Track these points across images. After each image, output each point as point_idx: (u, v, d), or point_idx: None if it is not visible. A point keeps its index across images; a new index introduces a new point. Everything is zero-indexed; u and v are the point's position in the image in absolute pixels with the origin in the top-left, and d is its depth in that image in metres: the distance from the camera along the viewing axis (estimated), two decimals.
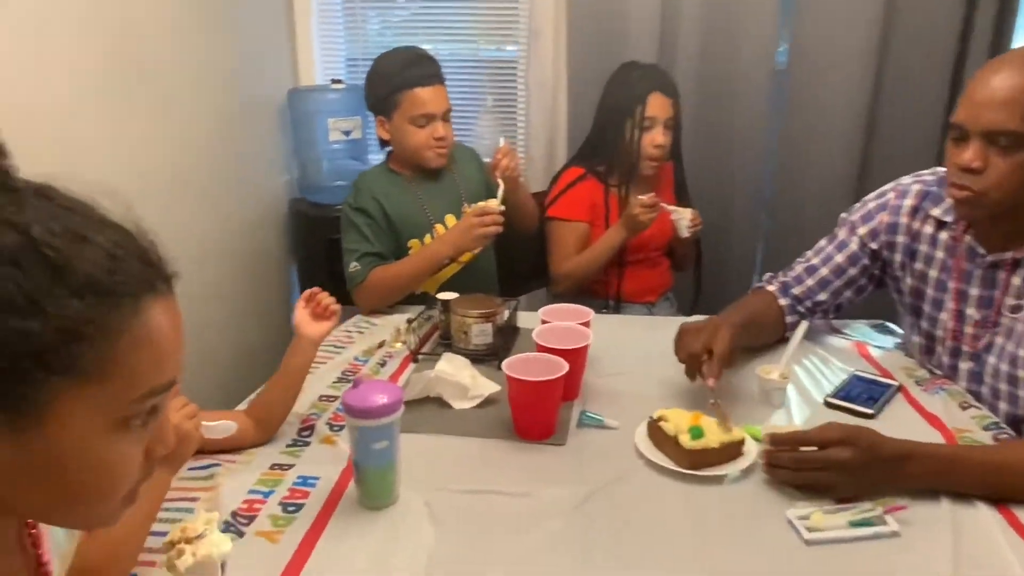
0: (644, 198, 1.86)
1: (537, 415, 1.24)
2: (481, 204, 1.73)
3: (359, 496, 1.09)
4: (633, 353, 1.56)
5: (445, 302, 1.55)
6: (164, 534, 1.00)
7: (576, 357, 1.31)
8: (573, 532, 1.03)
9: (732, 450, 1.16)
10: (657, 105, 1.95)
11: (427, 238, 1.88)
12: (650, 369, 1.46)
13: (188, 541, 0.58)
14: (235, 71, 2.30)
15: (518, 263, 2.16)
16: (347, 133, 2.53)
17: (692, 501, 1.10)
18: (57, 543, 0.72)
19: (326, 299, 1.27)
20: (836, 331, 1.67)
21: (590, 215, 2.03)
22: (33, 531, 0.68)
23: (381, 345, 1.61)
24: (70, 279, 0.49)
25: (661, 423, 1.19)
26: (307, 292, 1.27)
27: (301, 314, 1.26)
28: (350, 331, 1.70)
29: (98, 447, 0.53)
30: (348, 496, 1.10)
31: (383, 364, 1.54)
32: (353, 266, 1.78)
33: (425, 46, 1.99)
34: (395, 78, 1.84)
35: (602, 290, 2.08)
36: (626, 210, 1.91)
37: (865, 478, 1.06)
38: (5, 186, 0.50)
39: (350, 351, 1.59)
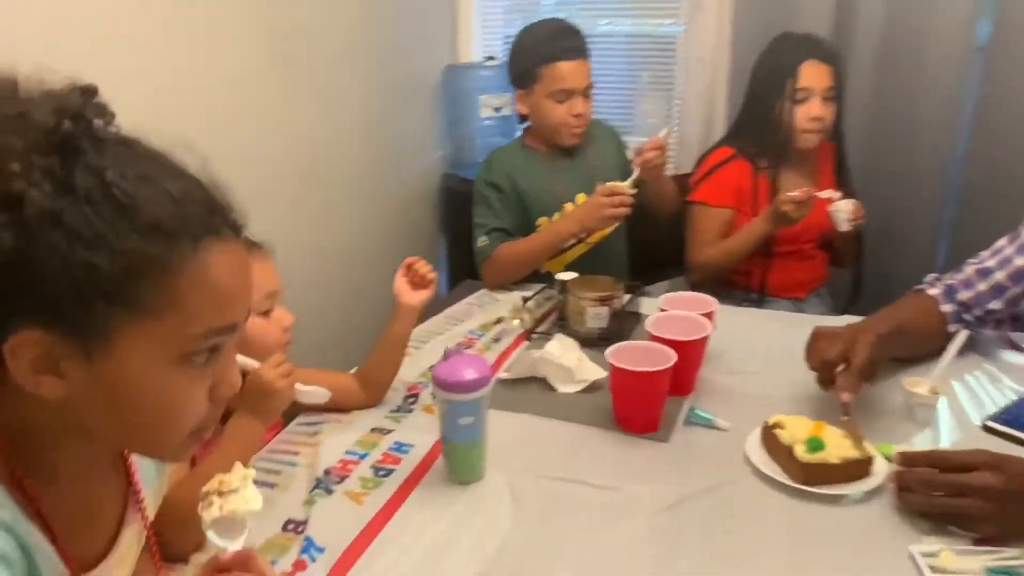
0: (796, 193, 1.68)
1: (638, 407, 1.17)
2: (611, 184, 1.66)
3: (446, 468, 1.08)
4: (766, 351, 1.43)
5: (563, 282, 1.50)
6: (269, 485, 1.06)
7: (690, 349, 1.22)
8: (658, 536, 0.96)
9: (855, 468, 1.03)
10: (812, 74, 1.78)
11: (556, 216, 1.84)
12: (781, 370, 1.32)
13: (221, 494, 0.59)
14: (396, 47, 2.37)
15: (654, 248, 2.06)
16: (497, 110, 2.54)
17: (801, 520, 0.98)
18: (147, 478, 0.77)
19: (423, 268, 1.27)
20: (1012, 345, 1.44)
21: (735, 200, 1.89)
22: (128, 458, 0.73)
23: (499, 321, 1.60)
24: (134, 218, 0.53)
25: (776, 430, 1.08)
26: (407, 261, 1.28)
27: (400, 283, 1.27)
28: (471, 304, 1.71)
29: (160, 378, 0.57)
30: (437, 467, 1.10)
31: (497, 340, 1.53)
32: (481, 240, 1.78)
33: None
34: (537, 51, 1.81)
35: (744, 281, 1.93)
36: (773, 202, 1.74)
37: (1012, 514, 0.90)
38: (92, 136, 0.54)
39: (467, 324, 1.60)
